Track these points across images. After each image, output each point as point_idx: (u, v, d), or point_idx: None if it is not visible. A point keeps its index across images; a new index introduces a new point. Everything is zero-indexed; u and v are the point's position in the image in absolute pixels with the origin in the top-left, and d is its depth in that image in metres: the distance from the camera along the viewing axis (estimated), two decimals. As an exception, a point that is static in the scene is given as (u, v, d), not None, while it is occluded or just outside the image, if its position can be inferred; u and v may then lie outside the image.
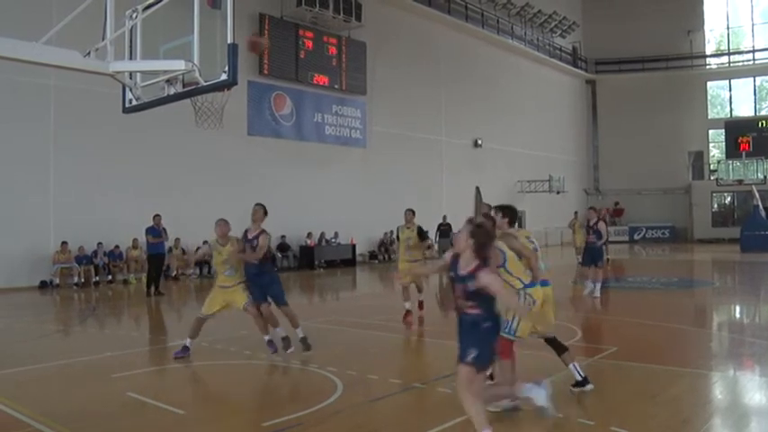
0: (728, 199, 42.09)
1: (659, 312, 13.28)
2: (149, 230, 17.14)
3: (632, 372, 7.93)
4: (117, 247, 20.33)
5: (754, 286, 18.70)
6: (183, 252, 21.35)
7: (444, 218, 27.98)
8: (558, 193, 37.45)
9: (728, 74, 43.92)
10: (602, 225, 15.03)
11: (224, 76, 6.35)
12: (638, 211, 42.82)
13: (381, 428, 6.04)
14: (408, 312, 11.60)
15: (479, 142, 35.00)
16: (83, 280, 19.33)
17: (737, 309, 14.78)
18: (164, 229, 17.31)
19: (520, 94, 37.97)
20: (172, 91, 6.79)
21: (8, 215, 18.04)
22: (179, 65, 6.41)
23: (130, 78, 7.12)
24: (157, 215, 17.35)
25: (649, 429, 5.57)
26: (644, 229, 42.58)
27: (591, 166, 46.08)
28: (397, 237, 12.77)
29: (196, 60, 6.52)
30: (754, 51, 43.39)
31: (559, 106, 42.48)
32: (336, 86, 27.21)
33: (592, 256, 14.91)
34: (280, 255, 24.33)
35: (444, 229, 26.97)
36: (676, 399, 6.75)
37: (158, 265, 17.28)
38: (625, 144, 43.23)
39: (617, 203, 43.27)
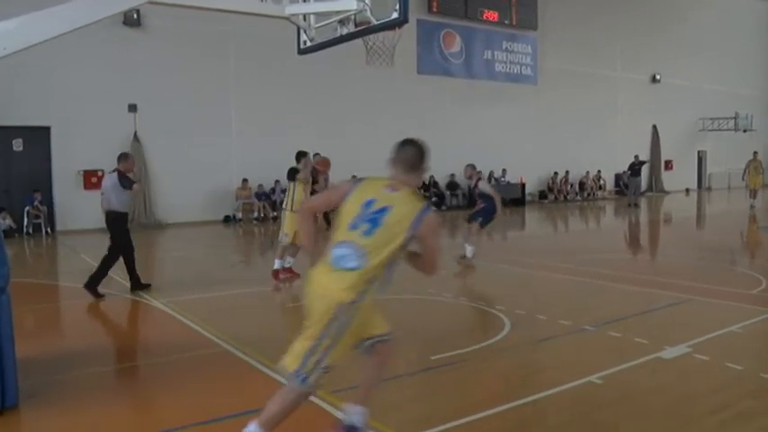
0: None
1: None
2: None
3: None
4: (292, 184, 21.31)
5: None
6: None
7: (636, 157, 26.85)
8: (744, 131, 34.68)
9: None
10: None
11: (395, 15, 6.39)
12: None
13: (546, 369, 6.01)
14: None
15: (658, 77, 32.99)
16: (262, 215, 20.54)
17: None
18: None
19: (702, 23, 35.06)
20: (344, 31, 6.94)
21: (197, 155, 19.42)
22: (351, 4, 6.53)
23: (304, 20, 7.33)
24: (317, 154, 17.91)
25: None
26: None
27: (785, 102, 42.13)
28: None
29: (368, 0, 6.60)
30: None
31: (747, 36, 38.75)
32: (506, 22, 26.54)
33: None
34: (449, 193, 24.51)
35: (637, 168, 25.97)
36: None
37: None
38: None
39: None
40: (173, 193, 19.35)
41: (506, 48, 26.89)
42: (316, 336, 3.61)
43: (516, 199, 26.12)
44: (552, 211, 24.30)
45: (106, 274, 9.10)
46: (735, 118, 34.57)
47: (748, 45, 38.63)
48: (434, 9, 24.35)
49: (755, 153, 26.21)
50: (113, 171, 9.25)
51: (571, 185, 28.88)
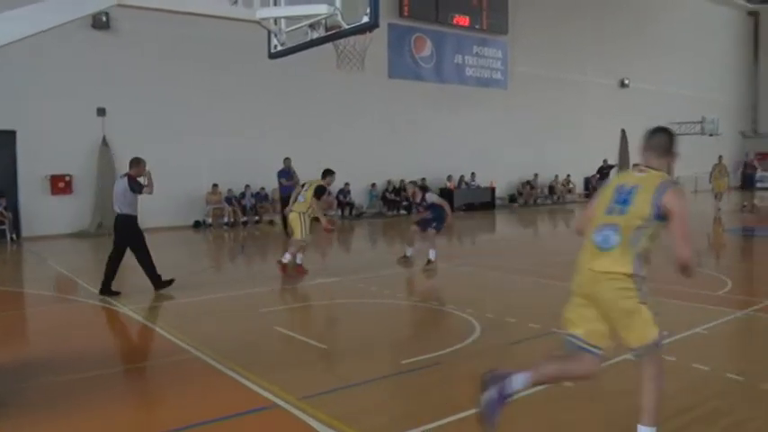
0: None
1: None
2: (281, 173, 17.74)
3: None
4: (263, 188, 21.22)
5: None
6: (328, 193, 22.00)
7: (605, 161, 27.20)
8: (710, 135, 35.24)
9: None
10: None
11: (365, 19, 6.41)
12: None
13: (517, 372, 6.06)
14: None
15: (626, 82, 33.42)
16: (232, 220, 20.42)
17: None
18: (293, 172, 17.77)
19: (671, 29, 35.60)
20: (315, 35, 6.95)
21: (167, 160, 19.19)
22: (322, 9, 6.54)
23: (275, 24, 7.33)
24: (287, 158, 17.96)
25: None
26: (806, 175, 39.38)
27: (749, 107, 42.87)
28: None
29: (338, 4, 6.61)
30: None
31: (715, 42, 39.48)
32: (477, 27, 26.71)
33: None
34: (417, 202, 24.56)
35: (606, 172, 26.50)
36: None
37: None
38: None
39: (777, 147, 40.27)
40: (142, 198, 19.07)
41: (477, 52, 27.05)
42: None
43: (486, 203, 26.25)
44: (522, 215, 24.47)
45: (114, 274, 9.36)
46: (702, 122, 35.09)
47: (714, 50, 39.32)
48: (405, 13, 24.42)
49: (720, 157, 26.79)
50: (124, 176, 9.54)
51: (541, 189, 29.10)
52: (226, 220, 20.41)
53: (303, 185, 11.58)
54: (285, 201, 17.95)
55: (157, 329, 7.54)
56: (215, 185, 20.16)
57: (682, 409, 4.87)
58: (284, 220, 17.86)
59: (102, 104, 18.58)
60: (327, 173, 11.41)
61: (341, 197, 22.54)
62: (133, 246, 9.51)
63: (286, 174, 17.72)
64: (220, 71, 20.13)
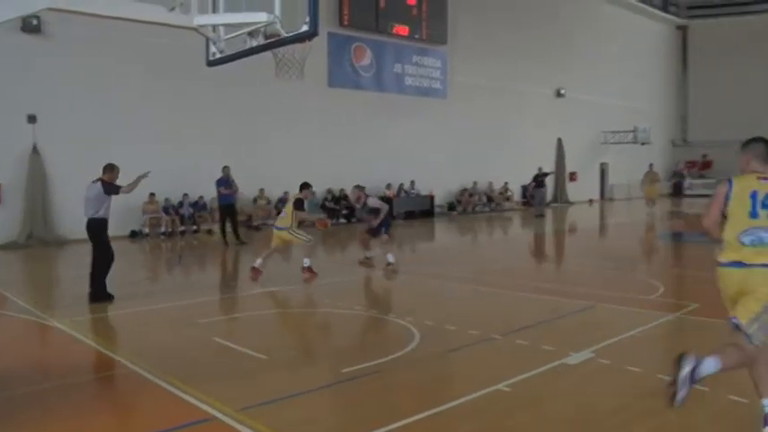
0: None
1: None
2: (219, 182, 17.53)
3: (715, 329, 7.70)
4: (201, 197, 20.90)
5: None
6: (267, 202, 21.90)
7: (540, 168, 27.70)
8: (642, 144, 36.29)
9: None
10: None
11: (305, 28, 6.38)
12: (729, 164, 40.92)
13: (456, 378, 6.11)
14: None
15: (562, 92, 34.14)
16: (170, 229, 20.05)
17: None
18: (232, 181, 17.61)
19: (606, 41, 36.60)
20: (254, 43, 6.88)
21: (101, 169, 18.75)
22: (261, 17, 6.48)
23: (213, 32, 7.24)
24: (226, 166, 17.74)
25: (734, 388, 5.42)
26: (733, 183, 40.82)
27: (679, 117, 44.31)
28: None
29: (277, 12, 6.57)
30: None
31: (647, 54, 40.81)
32: (417, 36, 26.91)
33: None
34: (359, 206, 24.50)
35: (541, 179, 27.00)
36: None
37: (231, 214, 17.68)
38: (717, 94, 41.18)
39: (705, 155, 41.59)
40: (76, 208, 18.55)
41: (416, 62, 27.25)
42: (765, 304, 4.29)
43: (426, 211, 26.40)
44: (460, 223, 24.70)
45: (104, 280, 9.63)
46: (634, 131, 36.16)
47: (646, 62, 40.58)
48: (345, 22, 24.44)
49: (651, 165, 27.94)
50: (96, 181, 9.79)
51: (479, 197, 29.43)
52: (163, 229, 20.01)
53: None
54: (224, 210, 17.80)
55: (91, 343, 7.34)
56: (152, 194, 19.73)
57: (615, 409, 5.01)
58: (223, 229, 17.73)
59: (33, 111, 18.00)
60: (304, 186, 11.89)
61: (279, 206, 22.30)
62: (100, 249, 9.78)
63: (225, 182, 17.50)
64: (157, 78, 19.76)
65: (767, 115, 39.24)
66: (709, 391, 5.27)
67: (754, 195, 4.38)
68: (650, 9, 40.78)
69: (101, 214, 9.77)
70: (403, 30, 26.35)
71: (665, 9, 42.39)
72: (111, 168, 10.01)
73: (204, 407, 5.04)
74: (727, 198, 4.49)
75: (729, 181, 4.55)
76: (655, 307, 8.83)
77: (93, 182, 9.89)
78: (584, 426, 4.76)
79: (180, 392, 5.37)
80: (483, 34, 29.37)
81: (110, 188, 9.75)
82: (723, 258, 4.48)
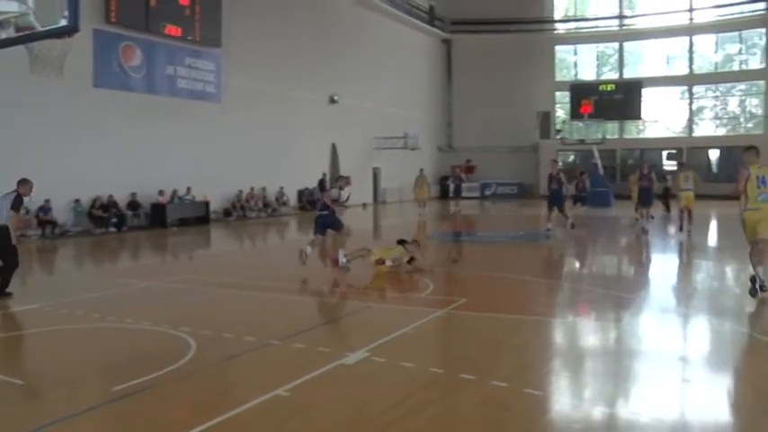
0: (572, 157, 44.38)
1: (506, 264, 13.98)
2: None
3: (481, 321, 8.32)
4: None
5: (592, 239, 19.97)
6: (27, 212, 19.99)
7: (324, 174, 28.23)
8: (412, 149, 38.14)
9: (574, 39, 46.03)
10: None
11: (63, 22, 5.97)
12: (490, 169, 44.39)
13: (235, 386, 6.04)
14: None
15: (336, 98, 34.91)
16: None
17: (576, 260, 15.79)
18: None
19: (377, 51, 38.07)
20: (3, 35, 6.31)
21: None
22: (12, 6, 5.98)
23: (-45, 22, 6.55)
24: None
25: (496, 375, 5.88)
26: (494, 186, 44.31)
27: (445, 124, 47.20)
28: None
29: (31, 3, 6.09)
30: (596, 19, 45.84)
31: (416, 64, 43.08)
32: (190, 38, 26.18)
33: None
34: (130, 213, 23.37)
35: (324, 184, 27.76)
36: (521, 345, 7.18)
37: None
38: (478, 103, 44.53)
39: (468, 161, 44.60)
40: None
41: (189, 64, 26.48)
42: None
43: (201, 217, 25.67)
44: (237, 229, 24.39)
45: (8, 281, 10.10)
46: (404, 137, 37.87)
47: (415, 72, 42.76)
48: (113, 20, 23.14)
49: (421, 170, 29.59)
50: (13, 192, 10.04)
51: (255, 202, 29.22)
52: None
53: None
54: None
55: None
56: None
57: (391, 405, 5.22)
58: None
59: None
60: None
61: (41, 214, 20.60)
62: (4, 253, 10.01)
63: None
64: None
65: (524, 124, 43.25)
66: (474, 379, 5.69)
67: (759, 177, 8.81)
68: (418, 22, 42.99)
69: (3, 223, 9.96)
70: (175, 30, 25.51)
71: (431, 23, 44.93)
72: (25, 182, 10.22)
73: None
74: (747, 178, 8.82)
75: (747, 169, 8.87)
76: (426, 304, 9.33)
77: (9, 193, 10.11)
78: (359, 426, 4.90)
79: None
80: (258, 38, 29.25)
81: (17, 204, 10.05)
82: (748, 206, 8.84)
